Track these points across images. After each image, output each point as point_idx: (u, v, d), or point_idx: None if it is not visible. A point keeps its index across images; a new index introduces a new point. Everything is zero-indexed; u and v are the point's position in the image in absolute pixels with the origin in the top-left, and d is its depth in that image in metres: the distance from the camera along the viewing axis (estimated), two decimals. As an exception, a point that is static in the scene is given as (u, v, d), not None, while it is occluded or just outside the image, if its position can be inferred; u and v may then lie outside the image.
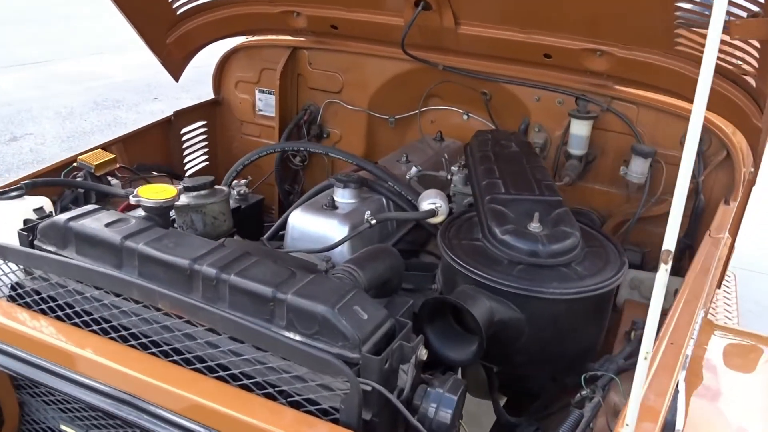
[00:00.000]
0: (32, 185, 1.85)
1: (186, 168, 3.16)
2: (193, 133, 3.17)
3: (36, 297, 1.61)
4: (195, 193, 1.96)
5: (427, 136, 2.91)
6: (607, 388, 1.66)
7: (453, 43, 2.55)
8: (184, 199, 1.95)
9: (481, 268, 1.67)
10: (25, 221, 1.74)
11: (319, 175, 3.18)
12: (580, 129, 2.50)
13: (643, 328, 1.92)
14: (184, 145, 3.12)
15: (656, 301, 1.11)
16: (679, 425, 1.45)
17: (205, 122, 3.23)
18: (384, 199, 2.17)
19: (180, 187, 2.00)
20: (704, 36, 1.93)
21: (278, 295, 1.36)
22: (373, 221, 1.92)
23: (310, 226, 2.00)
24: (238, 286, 1.40)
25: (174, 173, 3.01)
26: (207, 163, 3.31)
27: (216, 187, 2.01)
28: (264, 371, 1.34)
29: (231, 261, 1.46)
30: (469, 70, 2.67)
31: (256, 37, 3.10)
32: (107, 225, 1.59)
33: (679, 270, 2.38)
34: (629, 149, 2.52)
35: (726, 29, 1.72)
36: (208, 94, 3.29)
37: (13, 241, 1.73)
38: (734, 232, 2.55)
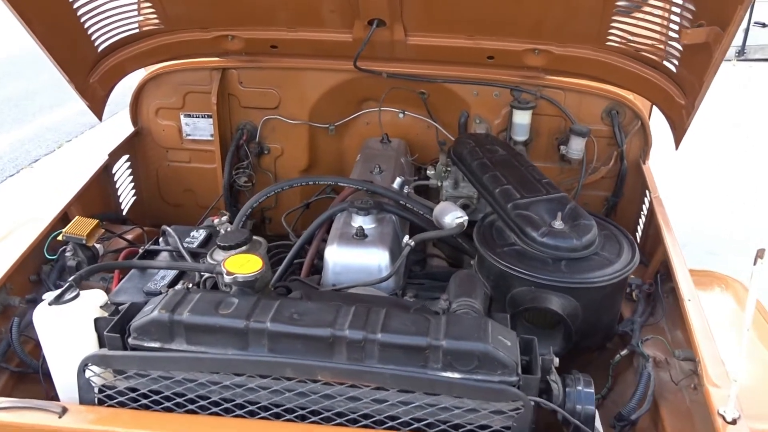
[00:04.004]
0: (80, 279, 1.72)
1: (122, 207, 2.99)
2: (121, 169, 2.99)
3: (133, 395, 1.58)
4: (238, 251, 1.96)
5: (370, 138, 3.05)
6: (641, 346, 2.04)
7: (402, 53, 2.69)
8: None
9: (537, 271, 1.92)
10: (98, 321, 1.65)
11: None
12: (521, 118, 2.82)
13: (639, 288, 2.31)
14: (117, 185, 2.94)
15: (753, 288, 1.43)
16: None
17: (128, 156, 3.05)
18: (393, 216, 2.31)
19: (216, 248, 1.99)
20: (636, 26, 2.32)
21: (433, 342, 1.50)
22: (412, 243, 2.07)
23: (352, 259, 2.09)
24: (390, 343, 1.51)
25: (123, 217, 2.86)
26: (135, 197, 3.14)
27: (254, 238, 2.01)
28: (436, 411, 1.49)
29: (366, 320, 1.56)
30: (412, 74, 2.83)
31: (174, 62, 2.96)
32: (216, 309, 1.59)
33: (615, 220, 2.84)
34: (559, 129, 2.91)
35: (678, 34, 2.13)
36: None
37: (87, 345, 1.65)
38: None
